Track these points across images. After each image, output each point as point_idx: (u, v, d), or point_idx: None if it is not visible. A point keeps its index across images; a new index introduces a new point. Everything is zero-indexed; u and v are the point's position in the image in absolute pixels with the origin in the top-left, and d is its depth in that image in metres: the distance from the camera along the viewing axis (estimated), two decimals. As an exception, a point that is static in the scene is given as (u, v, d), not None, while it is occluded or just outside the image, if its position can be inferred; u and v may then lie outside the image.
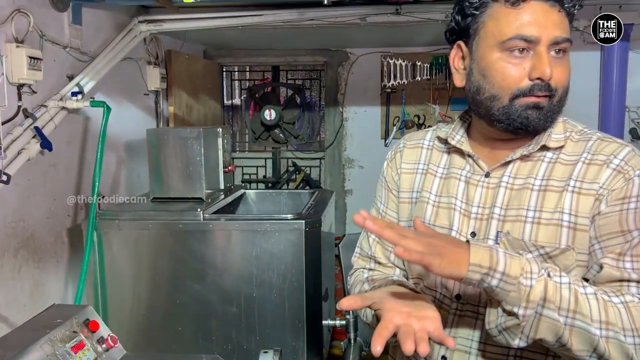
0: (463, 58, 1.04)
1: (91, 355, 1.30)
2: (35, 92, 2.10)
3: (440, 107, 4.14)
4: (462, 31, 1.02)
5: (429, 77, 4.12)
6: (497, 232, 0.99)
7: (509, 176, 1.02)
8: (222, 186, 2.56)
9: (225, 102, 4.60)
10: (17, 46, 1.95)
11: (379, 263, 1.18)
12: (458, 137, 1.09)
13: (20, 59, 1.95)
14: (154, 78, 3.06)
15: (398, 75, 4.15)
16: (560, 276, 0.88)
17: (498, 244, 0.99)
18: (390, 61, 4.14)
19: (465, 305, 1.02)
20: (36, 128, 2.07)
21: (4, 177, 1.90)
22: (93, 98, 2.40)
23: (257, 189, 4.26)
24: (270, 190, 3.85)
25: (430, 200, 1.10)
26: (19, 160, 1.99)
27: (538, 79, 0.93)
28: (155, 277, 2.25)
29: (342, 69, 4.24)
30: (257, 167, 4.52)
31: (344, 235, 3.90)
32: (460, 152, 1.08)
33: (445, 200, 1.07)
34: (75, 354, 1.27)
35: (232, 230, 2.19)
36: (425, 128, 1.24)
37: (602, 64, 3.44)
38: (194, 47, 3.92)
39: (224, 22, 2.69)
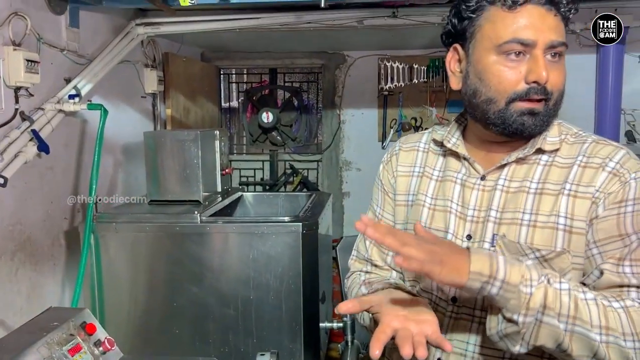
0: (459, 61, 1.04)
1: (88, 358, 1.30)
2: (32, 95, 2.10)
3: (437, 109, 4.15)
4: (458, 34, 1.03)
5: (425, 79, 4.13)
6: (493, 234, 1.00)
7: (505, 179, 1.02)
8: (219, 189, 2.56)
9: (223, 104, 4.60)
10: (15, 49, 1.95)
11: (376, 266, 1.18)
12: (454, 140, 1.09)
13: (17, 62, 1.95)
14: (151, 81, 3.06)
15: (395, 77, 4.16)
16: (560, 282, 0.88)
17: (494, 246, 0.99)
18: (387, 64, 4.15)
19: (461, 308, 1.03)
20: (33, 131, 2.07)
21: (1, 180, 1.90)
22: (90, 101, 2.40)
23: (254, 191, 4.27)
24: (268, 193, 3.85)
25: (426, 203, 1.10)
26: (16, 163, 1.99)
27: (534, 82, 0.94)
28: (152, 279, 2.25)
29: (340, 72, 4.25)
30: (254, 169, 4.52)
31: (342, 238, 3.91)
32: (456, 155, 1.09)
33: (441, 203, 1.08)
34: (72, 356, 1.27)
35: (229, 233, 2.19)
36: (422, 130, 1.24)
37: (598, 66, 3.46)
38: (191, 49, 3.92)
39: (221, 25, 2.69)
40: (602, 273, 0.93)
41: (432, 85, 4.13)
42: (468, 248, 0.88)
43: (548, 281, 0.87)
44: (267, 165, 4.45)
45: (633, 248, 0.92)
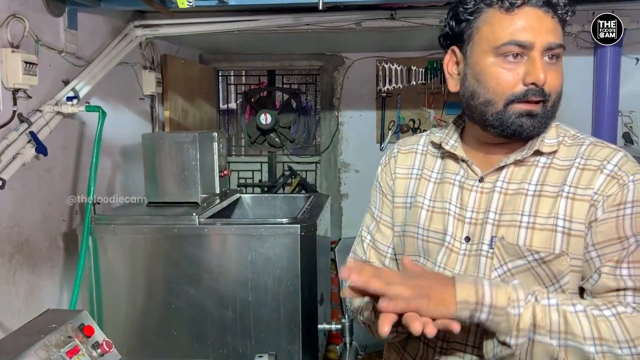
0: (457, 63, 1.05)
1: (86, 360, 1.30)
2: (30, 97, 2.10)
3: (435, 111, 4.16)
4: (456, 36, 1.03)
5: (423, 81, 4.14)
6: (492, 236, 1.00)
7: (503, 181, 1.02)
8: (217, 190, 2.55)
9: (221, 106, 4.60)
10: (13, 51, 1.95)
11: (374, 267, 1.18)
12: (452, 142, 1.10)
13: (15, 64, 1.94)
14: (149, 82, 3.06)
15: (393, 79, 4.16)
16: (548, 298, 0.88)
17: (492, 248, 0.99)
18: (385, 66, 4.15)
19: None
20: (31, 133, 2.06)
21: (-1, 182, 1.90)
22: (88, 103, 2.40)
23: (253, 193, 4.27)
24: (266, 195, 3.85)
25: (424, 205, 1.10)
26: (13, 165, 1.99)
27: (532, 84, 0.94)
28: (150, 281, 2.25)
29: (338, 74, 4.25)
30: (253, 171, 4.52)
31: (340, 239, 3.91)
32: (454, 157, 1.09)
33: (439, 205, 1.08)
34: (70, 359, 1.27)
35: (227, 235, 2.19)
36: (420, 132, 1.25)
37: (595, 68, 3.47)
38: (189, 51, 3.92)
39: (219, 27, 2.69)
40: (599, 277, 0.93)
41: (430, 87, 4.14)
42: (453, 277, 0.89)
43: (536, 299, 0.88)
44: (265, 167, 4.45)
45: (631, 250, 0.92)
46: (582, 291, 0.98)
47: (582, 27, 3.11)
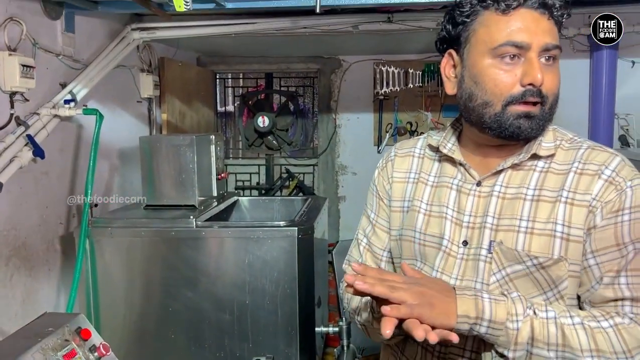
0: (454, 66, 1.05)
1: (83, 363, 1.29)
2: (27, 100, 2.10)
3: (432, 114, 4.16)
4: (453, 39, 1.04)
5: (421, 84, 4.15)
6: (490, 241, 1.00)
7: (501, 185, 1.02)
8: (215, 193, 2.55)
9: (219, 109, 4.60)
10: (10, 54, 1.95)
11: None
12: (449, 146, 1.10)
13: (12, 67, 1.94)
14: (147, 85, 3.06)
15: (390, 82, 4.17)
16: (547, 311, 0.89)
17: (491, 253, 0.99)
18: (382, 68, 4.16)
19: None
20: (28, 136, 2.06)
21: (-4, 185, 1.90)
22: (86, 106, 2.40)
23: (250, 195, 4.26)
24: (264, 197, 3.85)
25: (421, 209, 1.10)
26: (11, 168, 1.98)
27: (530, 84, 0.95)
28: (147, 284, 2.24)
29: (335, 76, 4.26)
30: (250, 173, 4.52)
31: (337, 242, 3.91)
32: (452, 161, 1.09)
33: (436, 209, 1.08)
34: (68, 362, 1.26)
35: (224, 238, 2.19)
36: (417, 135, 1.25)
37: (592, 71, 3.48)
38: (187, 54, 3.92)
39: (217, 29, 2.70)
40: (598, 287, 0.94)
41: (427, 89, 4.14)
42: (454, 288, 0.90)
43: (534, 312, 0.89)
44: (263, 170, 4.45)
45: (630, 258, 0.92)
46: (579, 297, 0.99)
47: (579, 30, 3.13)
